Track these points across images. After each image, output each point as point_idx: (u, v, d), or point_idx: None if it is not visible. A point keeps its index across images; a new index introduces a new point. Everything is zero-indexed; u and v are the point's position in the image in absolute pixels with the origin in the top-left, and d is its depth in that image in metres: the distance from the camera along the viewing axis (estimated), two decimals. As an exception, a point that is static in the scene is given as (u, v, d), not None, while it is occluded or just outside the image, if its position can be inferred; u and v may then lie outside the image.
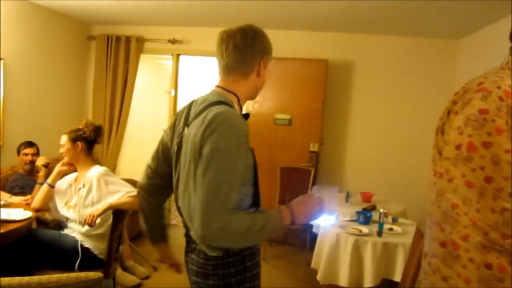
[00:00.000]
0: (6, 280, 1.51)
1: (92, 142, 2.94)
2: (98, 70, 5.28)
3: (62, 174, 2.96)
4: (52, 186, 2.91)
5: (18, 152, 3.77)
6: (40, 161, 3.45)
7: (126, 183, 2.95)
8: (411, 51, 4.88)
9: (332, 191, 1.64)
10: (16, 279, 1.52)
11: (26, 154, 3.72)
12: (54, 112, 4.83)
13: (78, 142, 2.86)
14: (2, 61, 4.02)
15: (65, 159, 2.90)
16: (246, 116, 1.57)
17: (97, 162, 3.03)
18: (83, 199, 2.79)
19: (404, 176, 4.93)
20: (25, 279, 1.53)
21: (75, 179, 2.93)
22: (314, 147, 4.82)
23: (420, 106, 4.88)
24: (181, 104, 5.66)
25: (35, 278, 1.55)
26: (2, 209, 2.65)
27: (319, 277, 3.01)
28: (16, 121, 4.28)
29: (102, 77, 5.24)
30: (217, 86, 1.57)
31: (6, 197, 3.18)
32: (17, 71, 4.29)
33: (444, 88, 4.79)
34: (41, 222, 3.33)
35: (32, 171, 3.71)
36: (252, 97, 1.63)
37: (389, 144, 5.00)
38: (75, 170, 2.98)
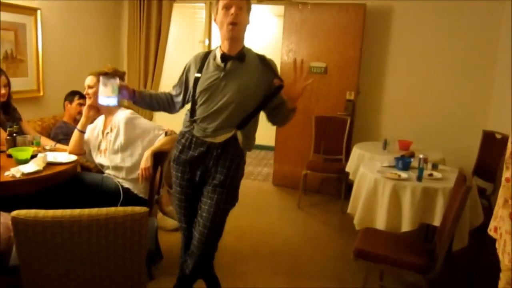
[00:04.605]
0: (58, 212, 1.58)
1: None
2: (131, 20, 5.27)
3: (91, 119, 2.98)
4: (82, 132, 2.94)
5: (70, 101, 3.81)
6: None
7: (153, 124, 2.99)
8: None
9: (109, 79, 2.17)
10: (68, 211, 1.59)
11: (81, 105, 3.73)
12: (91, 64, 4.87)
13: None
14: (39, 11, 4.06)
15: (91, 101, 2.89)
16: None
17: (121, 106, 3.03)
18: (111, 144, 2.84)
19: (443, 125, 4.79)
20: (76, 211, 1.59)
21: (103, 124, 2.96)
22: (350, 96, 4.73)
23: (462, 53, 4.64)
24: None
25: (85, 211, 1.60)
26: (49, 153, 2.75)
27: (355, 221, 3.02)
28: (55, 73, 4.37)
29: (136, 28, 5.23)
30: None
31: (51, 144, 3.28)
32: (54, 22, 4.32)
33: (489, 37, 4.52)
34: (84, 168, 3.45)
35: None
36: (222, 37, 2.19)
37: (427, 93, 4.82)
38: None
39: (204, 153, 2.20)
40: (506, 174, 1.59)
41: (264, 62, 2.23)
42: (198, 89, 2.18)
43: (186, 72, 2.32)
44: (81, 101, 3.78)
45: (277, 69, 2.30)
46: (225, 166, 2.19)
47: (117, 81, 2.19)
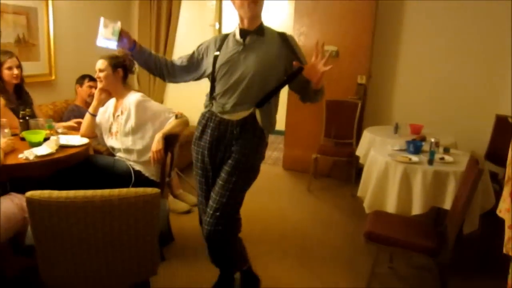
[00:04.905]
0: (72, 193, 1.60)
1: (129, 71, 2.97)
2: (142, 6, 5.26)
3: (102, 102, 3.00)
4: (93, 115, 2.97)
5: (81, 84, 3.89)
6: None
7: (164, 107, 3.01)
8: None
9: (111, 21, 2.15)
10: (81, 192, 1.61)
11: (91, 87, 3.83)
12: (102, 48, 4.88)
13: (119, 69, 2.88)
14: (50, -4, 4.07)
15: (102, 85, 2.90)
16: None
17: (132, 89, 3.05)
18: (122, 127, 2.86)
19: (455, 109, 4.73)
20: (89, 192, 1.62)
21: (114, 107, 2.98)
22: (362, 80, 4.68)
23: (475, 37, 4.55)
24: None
25: (98, 192, 1.63)
26: (61, 136, 2.79)
27: (365, 204, 3.02)
28: (67, 57, 4.38)
29: (147, 13, 5.23)
30: None
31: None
32: (65, 6, 4.31)
33: (503, 20, 4.41)
34: (96, 151, 3.48)
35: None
36: (241, 16, 2.19)
37: (439, 76, 4.75)
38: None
39: (223, 133, 2.21)
40: None
41: (283, 38, 2.24)
42: (218, 64, 2.19)
43: (202, 51, 2.33)
44: (91, 83, 3.83)
45: (297, 45, 2.29)
46: (243, 146, 2.20)
47: (118, 24, 2.17)
